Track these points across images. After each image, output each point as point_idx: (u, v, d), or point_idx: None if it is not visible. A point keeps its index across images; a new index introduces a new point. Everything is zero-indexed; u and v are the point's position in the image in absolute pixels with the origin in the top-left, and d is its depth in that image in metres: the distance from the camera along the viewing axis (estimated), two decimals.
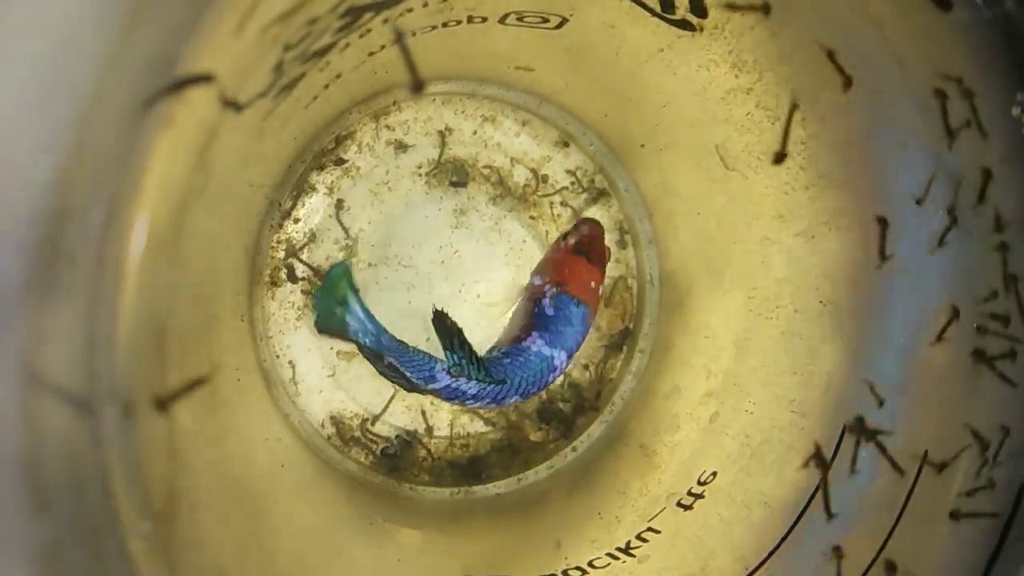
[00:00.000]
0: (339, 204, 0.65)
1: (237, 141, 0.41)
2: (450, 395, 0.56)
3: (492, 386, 0.55)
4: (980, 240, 0.42)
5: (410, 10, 0.47)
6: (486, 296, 0.66)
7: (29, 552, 0.26)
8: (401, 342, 0.56)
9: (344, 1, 0.40)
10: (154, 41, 0.29)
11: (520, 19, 0.52)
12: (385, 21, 0.46)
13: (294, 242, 0.64)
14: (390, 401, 0.65)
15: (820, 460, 0.48)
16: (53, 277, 0.29)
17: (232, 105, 0.36)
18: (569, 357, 0.58)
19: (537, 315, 0.58)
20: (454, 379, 0.55)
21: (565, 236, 0.61)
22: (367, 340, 0.55)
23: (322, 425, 0.65)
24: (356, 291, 0.56)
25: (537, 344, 0.57)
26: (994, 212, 0.40)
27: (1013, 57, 0.39)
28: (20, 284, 0.28)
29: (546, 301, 0.58)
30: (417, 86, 0.59)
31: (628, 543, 0.56)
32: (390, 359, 0.55)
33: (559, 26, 0.53)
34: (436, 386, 0.55)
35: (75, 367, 0.30)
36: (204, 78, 0.31)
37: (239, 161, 0.44)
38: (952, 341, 0.44)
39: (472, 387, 0.55)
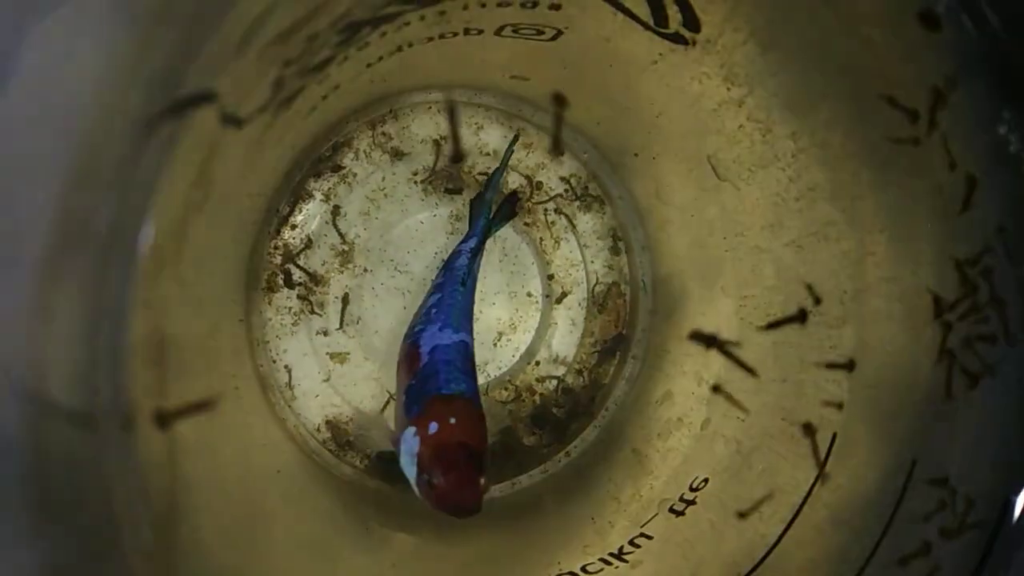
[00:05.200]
0: (336, 210, 0.65)
1: (237, 154, 0.41)
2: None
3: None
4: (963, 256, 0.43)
5: (407, 24, 0.47)
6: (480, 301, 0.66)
7: (32, 570, 0.26)
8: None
9: (343, 17, 0.41)
10: (158, 62, 0.30)
11: (516, 31, 0.53)
12: (383, 35, 0.46)
13: (291, 248, 0.65)
14: (386, 405, 0.66)
15: (811, 469, 0.49)
16: (56, 293, 0.30)
17: (233, 121, 0.36)
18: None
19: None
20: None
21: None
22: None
23: (318, 429, 0.65)
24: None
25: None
26: (979, 229, 0.41)
27: (1000, 75, 0.40)
28: (23, 300, 0.29)
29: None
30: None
31: (621, 548, 0.56)
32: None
33: (554, 38, 0.53)
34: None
35: (77, 383, 0.30)
36: (206, 97, 0.32)
37: (239, 173, 0.44)
38: (944, 353, 0.45)
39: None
